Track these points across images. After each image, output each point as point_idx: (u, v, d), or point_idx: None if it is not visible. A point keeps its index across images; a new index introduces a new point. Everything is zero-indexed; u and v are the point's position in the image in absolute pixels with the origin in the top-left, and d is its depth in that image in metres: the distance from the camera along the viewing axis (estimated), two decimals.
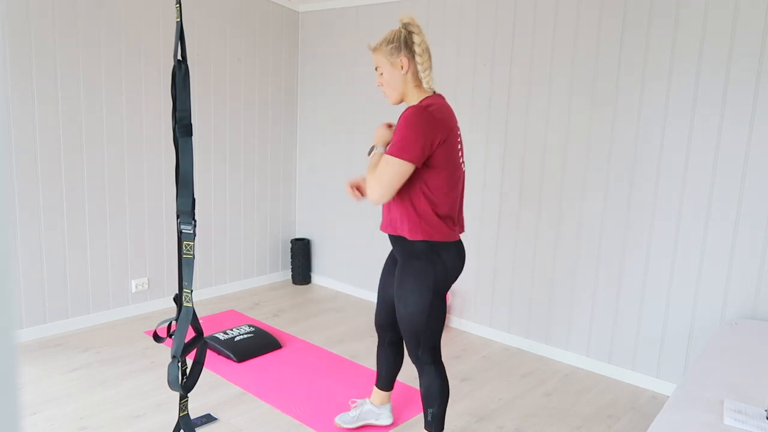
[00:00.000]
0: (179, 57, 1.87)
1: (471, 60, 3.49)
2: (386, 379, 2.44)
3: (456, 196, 1.96)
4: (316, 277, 4.66)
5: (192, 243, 1.93)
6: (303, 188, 4.68)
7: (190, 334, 3.37)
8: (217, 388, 2.80)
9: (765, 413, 1.66)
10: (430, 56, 1.93)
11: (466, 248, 3.65)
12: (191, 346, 1.97)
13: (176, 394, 2.70)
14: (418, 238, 1.92)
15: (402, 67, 1.92)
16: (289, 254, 4.73)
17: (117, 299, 3.64)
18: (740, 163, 2.62)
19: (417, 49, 1.89)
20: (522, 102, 3.30)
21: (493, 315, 3.58)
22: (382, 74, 1.96)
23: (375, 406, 2.49)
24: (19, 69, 3.05)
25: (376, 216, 4.15)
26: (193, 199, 1.94)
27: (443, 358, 3.25)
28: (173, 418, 2.50)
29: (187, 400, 2.08)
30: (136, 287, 3.72)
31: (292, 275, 4.61)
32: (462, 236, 3.66)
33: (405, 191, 1.92)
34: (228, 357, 3.12)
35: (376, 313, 2.36)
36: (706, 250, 2.75)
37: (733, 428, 1.58)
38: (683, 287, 2.83)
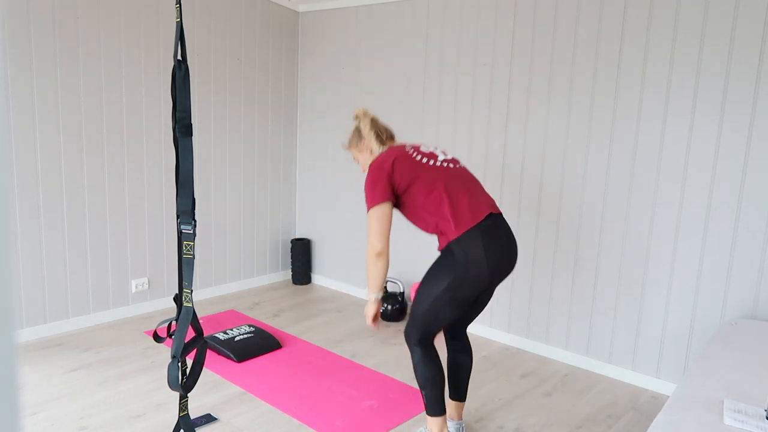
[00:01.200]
0: (179, 57, 1.87)
1: (471, 60, 3.49)
2: (450, 384, 2.40)
3: (442, 192, 2.07)
4: (316, 277, 4.66)
5: (192, 243, 1.93)
6: (303, 188, 4.68)
7: (190, 334, 3.37)
8: (217, 388, 2.80)
9: (765, 413, 1.66)
10: (376, 129, 2.28)
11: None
12: (191, 346, 1.98)
13: (176, 394, 2.70)
14: (442, 247, 2.11)
15: (367, 149, 2.31)
16: (289, 254, 4.73)
17: (117, 299, 3.64)
18: (740, 162, 2.62)
19: (364, 131, 2.28)
20: (522, 100, 3.30)
21: (493, 315, 3.58)
22: (358, 161, 2.36)
23: (449, 421, 2.37)
24: (19, 69, 3.05)
25: None
26: (193, 199, 1.94)
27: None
28: (173, 418, 2.50)
29: (187, 400, 2.08)
30: (136, 287, 3.72)
31: (292, 275, 4.61)
32: None
33: (416, 221, 2.16)
34: (228, 357, 3.12)
35: (437, 333, 2.20)
36: (706, 251, 2.75)
37: (733, 428, 1.58)
38: (683, 287, 2.83)
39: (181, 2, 2.16)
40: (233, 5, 4.03)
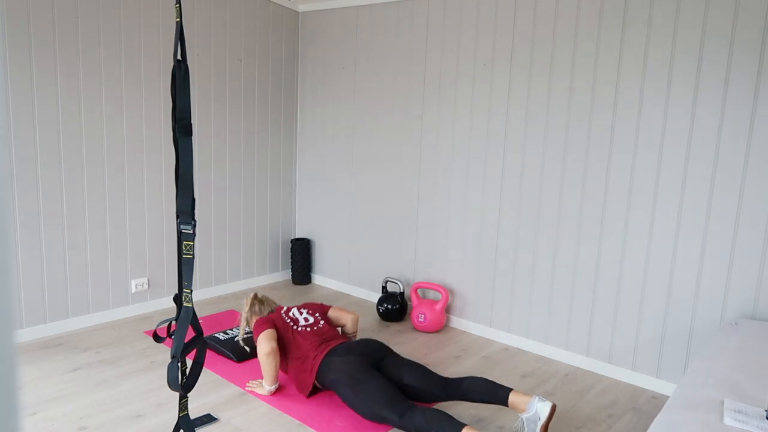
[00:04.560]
0: (179, 57, 1.87)
1: (471, 60, 3.49)
2: (489, 398, 2.46)
3: (300, 344, 2.75)
4: (316, 277, 4.66)
5: (192, 243, 1.93)
6: (303, 188, 4.68)
7: (190, 334, 3.36)
8: (217, 388, 2.80)
9: (765, 413, 1.66)
10: (261, 308, 3.05)
11: (467, 248, 3.66)
12: (191, 346, 1.97)
13: (176, 394, 2.70)
14: (310, 383, 2.69)
15: (254, 318, 3.06)
16: (289, 254, 4.73)
17: (117, 299, 3.64)
18: (740, 162, 2.62)
19: (247, 316, 3.06)
20: (522, 104, 3.30)
21: (493, 315, 3.58)
22: (251, 325, 3.06)
23: (524, 414, 2.37)
24: (18, 69, 3.05)
25: (376, 216, 4.15)
26: (193, 199, 1.94)
27: (438, 362, 3.25)
28: (173, 418, 2.50)
29: (186, 400, 2.08)
30: (136, 287, 3.72)
31: (292, 275, 4.61)
32: (462, 237, 3.66)
33: (289, 368, 2.81)
34: (228, 357, 3.12)
35: (393, 401, 2.37)
36: (706, 250, 2.75)
37: (733, 428, 1.58)
38: (683, 287, 2.83)
39: (181, 2, 2.16)
40: (233, 5, 4.03)
